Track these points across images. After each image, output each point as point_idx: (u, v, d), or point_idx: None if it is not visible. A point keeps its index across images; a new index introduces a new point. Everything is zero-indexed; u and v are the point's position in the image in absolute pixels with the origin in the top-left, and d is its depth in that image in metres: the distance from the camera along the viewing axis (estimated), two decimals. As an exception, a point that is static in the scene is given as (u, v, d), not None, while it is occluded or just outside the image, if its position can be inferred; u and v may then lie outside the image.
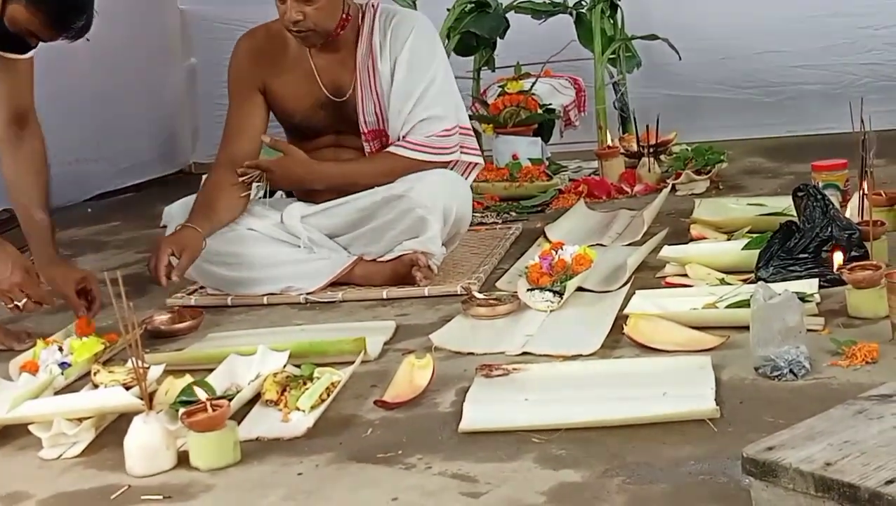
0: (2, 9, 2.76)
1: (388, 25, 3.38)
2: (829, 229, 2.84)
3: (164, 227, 3.42)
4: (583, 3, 5.12)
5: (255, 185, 3.37)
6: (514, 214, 4.22)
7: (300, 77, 3.40)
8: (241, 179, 3.34)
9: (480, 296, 3.02)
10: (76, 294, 3.09)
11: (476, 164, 3.55)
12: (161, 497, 2.11)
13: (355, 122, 3.39)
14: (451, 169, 3.45)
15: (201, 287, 3.44)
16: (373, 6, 3.40)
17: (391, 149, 3.36)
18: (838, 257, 2.76)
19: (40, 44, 2.96)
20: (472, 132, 3.59)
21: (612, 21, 5.16)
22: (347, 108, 3.38)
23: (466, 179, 3.52)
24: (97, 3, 2.90)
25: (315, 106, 3.40)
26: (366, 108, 3.37)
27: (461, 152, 3.46)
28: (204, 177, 3.56)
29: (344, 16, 3.31)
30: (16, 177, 3.15)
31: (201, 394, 2.31)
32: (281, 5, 3.24)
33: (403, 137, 3.35)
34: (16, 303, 2.95)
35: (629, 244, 3.49)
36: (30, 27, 2.79)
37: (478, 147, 3.62)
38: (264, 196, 3.41)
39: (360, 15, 3.38)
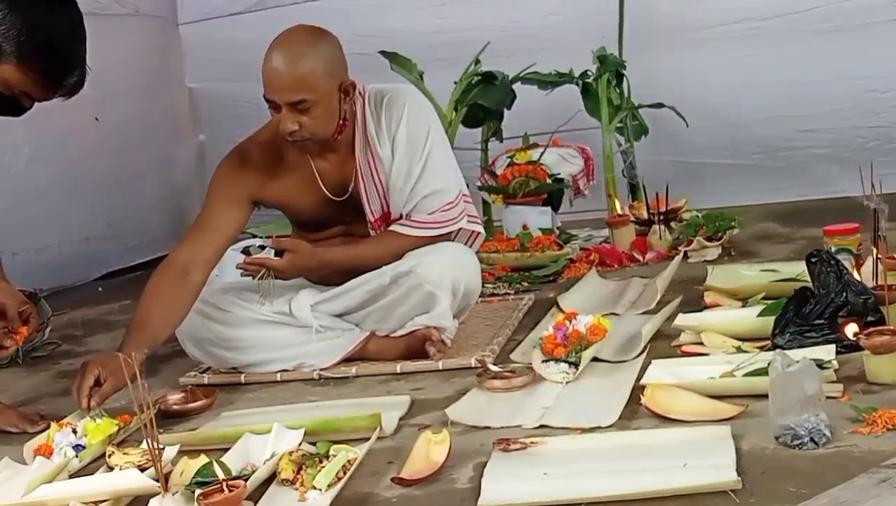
0: None
1: (380, 109, 3.33)
2: (845, 295, 2.82)
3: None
4: (589, 73, 5.15)
5: (258, 282, 3.28)
6: (525, 284, 4.21)
7: (301, 181, 3.34)
8: (243, 277, 3.27)
9: (495, 368, 3.00)
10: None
11: (479, 233, 3.54)
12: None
13: (362, 212, 3.36)
14: (455, 238, 3.43)
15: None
16: (361, 94, 3.31)
17: (395, 228, 3.34)
18: (852, 329, 2.75)
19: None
20: (471, 199, 3.56)
21: (618, 90, 5.20)
22: (352, 201, 3.35)
23: (470, 247, 3.51)
24: (91, 62, 2.85)
25: (320, 204, 3.37)
26: (371, 200, 3.35)
27: (467, 221, 3.45)
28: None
29: (341, 121, 3.25)
30: None
31: (220, 472, 2.29)
32: (275, 115, 3.18)
33: (407, 214, 3.34)
34: None
35: (643, 313, 3.48)
36: (23, 87, 2.77)
37: (478, 215, 3.60)
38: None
39: (353, 108, 3.29)
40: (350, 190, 3.35)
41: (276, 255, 3.25)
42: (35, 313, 3.07)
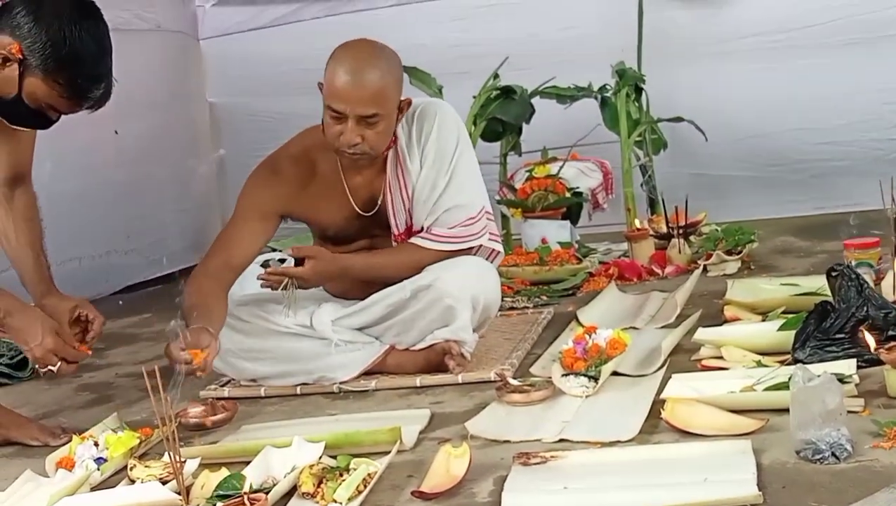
0: (19, 85, 2.77)
1: (411, 122, 3.35)
2: (865, 309, 2.81)
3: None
4: (607, 87, 5.16)
5: (282, 292, 3.28)
6: (545, 298, 4.22)
7: (332, 197, 3.35)
8: (263, 287, 3.27)
9: (515, 382, 3.00)
10: (73, 322, 3.02)
11: (498, 252, 3.54)
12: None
13: (388, 226, 3.37)
14: (476, 254, 3.43)
15: (234, 379, 3.43)
16: None
17: (415, 240, 3.34)
18: (870, 338, 2.73)
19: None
20: (493, 217, 3.56)
21: (637, 104, 5.20)
22: (380, 216, 3.37)
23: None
24: (116, 73, 2.86)
25: (349, 218, 3.38)
26: (397, 213, 3.36)
27: (488, 238, 3.45)
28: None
29: (394, 137, 3.30)
30: (7, 225, 3.12)
31: (247, 484, 2.30)
32: (336, 126, 3.17)
33: (428, 228, 3.34)
34: (50, 368, 2.90)
35: (663, 327, 3.48)
36: (49, 100, 2.78)
37: (498, 234, 3.59)
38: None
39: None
40: (378, 205, 3.37)
41: (296, 264, 3.25)
42: (93, 312, 3.04)
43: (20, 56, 2.71)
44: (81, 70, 2.76)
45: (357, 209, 3.36)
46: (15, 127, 2.93)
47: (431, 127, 3.34)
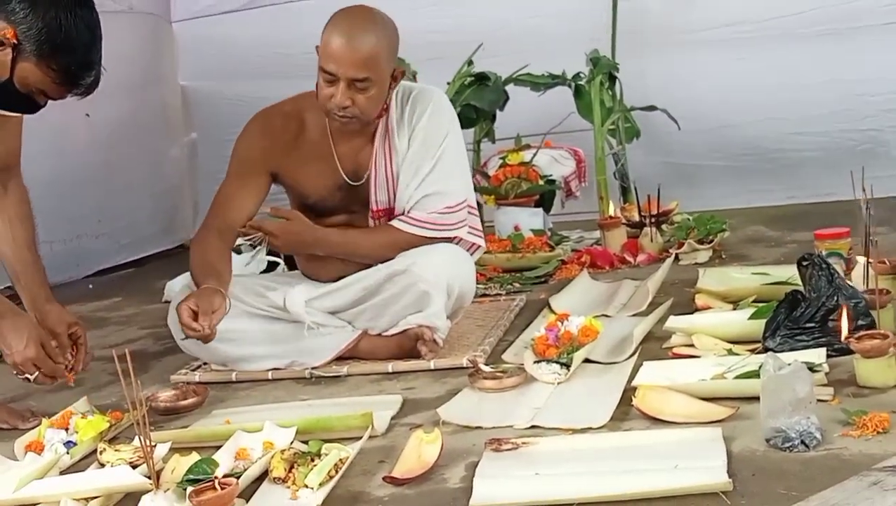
0: (11, 69, 2.77)
1: (405, 102, 3.37)
2: (836, 298, 2.83)
3: (167, 302, 3.41)
4: (581, 75, 5.16)
5: (247, 257, 3.34)
6: (517, 285, 4.22)
7: (319, 161, 3.37)
8: (243, 240, 3.33)
9: (487, 369, 3.00)
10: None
11: (479, 246, 3.54)
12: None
13: (368, 203, 3.38)
14: (456, 244, 3.43)
15: (205, 363, 3.42)
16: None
17: (393, 223, 3.35)
18: (845, 323, 2.75)
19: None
20: (477, 212, 3.57)
21: (610, 93, 5.21)
22: (362, 189, 3.38)
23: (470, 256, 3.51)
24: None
25: (332, 188, 3.39)
26: (378, 189, 3.36)
27: (468, 231, 3.46)
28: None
29: (385, 105, 3.31)
30: (2, 225, 3.13)
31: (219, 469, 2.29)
32: (328, 88, 3.18)
33: (407, 211, 3.35)
34: (27, 376, 2.93)
35: (634, 315, 3.49)
36: (40, 85, 2.80)
37: (481, 229, 3.60)
38: (265, 271, 3.39)
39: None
40: (364, 178, 3.37)
41: None
42: (84, 336, 3.09)
43: (14, 41, 2.73)
44: (75, 57, 2.77)
45: (343, 176, 3.36)
46: (2, 112, 2.93)
47: (424, 110, 3.36)
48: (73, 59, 2.77)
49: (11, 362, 2.93)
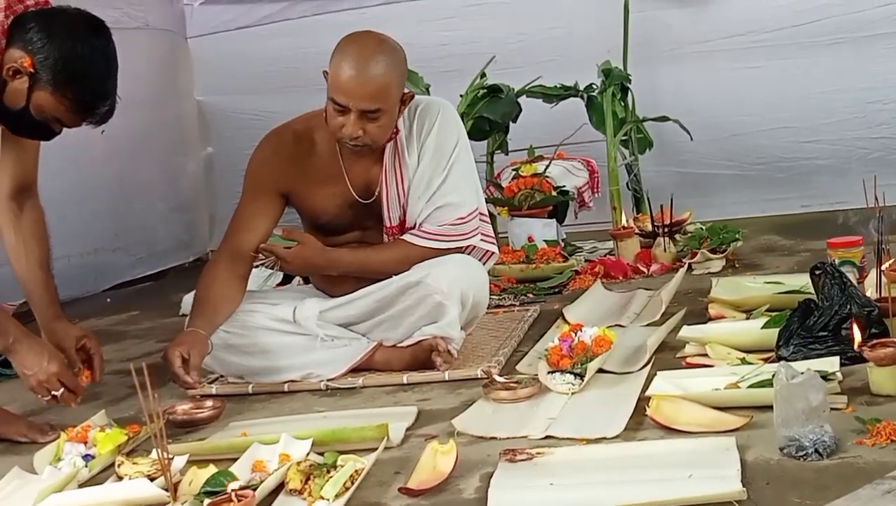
0: (27, 97, 2.81)
1: (413, 117, 3.38)
2: (848, 307, 2.84)
3: (185, 315, 3.44)
4: (594, 86, 5.17)
5: (267, 271, 3.38)
6: (531, 295, 4.23)
7: (330, 181, 3.37)
8: (255, 264, 3.35)
9: (501, 379, 3.01)
10: (77, 351, 3.11)
11: (492, 253, 3.56)
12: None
13: (381, 219, 3.39)
14: (469, 254, 3.45)
15: (221, 375, 3.44)
16: None
17: (405, 237, 3.36)
18: (858, 332, 2.75)
19: (63, 133, 3.01)
20: (488, 219, 3.59)
21: (623, 104, 5.22)
22: (373, 206, 3.39)
23: (483, 265, 3.52)
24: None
25: (343, 207, 3.40)
26: (391, 206, 3.37)
27: (480, 239, 3.47)
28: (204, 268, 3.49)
29: (395, 129, 3.32)
30: (17, 244, 3.17)
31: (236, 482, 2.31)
32: (339, 117, 3.18)
33: (419, 224, 3.36)
34: (53, 393, 2.97)
35: (648, 325, 3.50)
36: (56, 113, 2.84)
37: (493, 235, 3.61)
38: (281, 283, 3.42)
39: None
40: (375, 194, 3.38)
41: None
42: (96, 345, 3.14)
43: (31, 70, 2.78)
44: (90, 86, 2.83)
45: (354, 195, 3.37)
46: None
47: (433, 124, 3.37)
48: (88, 89, 2.83)
49: (35, 382, 2.96)
